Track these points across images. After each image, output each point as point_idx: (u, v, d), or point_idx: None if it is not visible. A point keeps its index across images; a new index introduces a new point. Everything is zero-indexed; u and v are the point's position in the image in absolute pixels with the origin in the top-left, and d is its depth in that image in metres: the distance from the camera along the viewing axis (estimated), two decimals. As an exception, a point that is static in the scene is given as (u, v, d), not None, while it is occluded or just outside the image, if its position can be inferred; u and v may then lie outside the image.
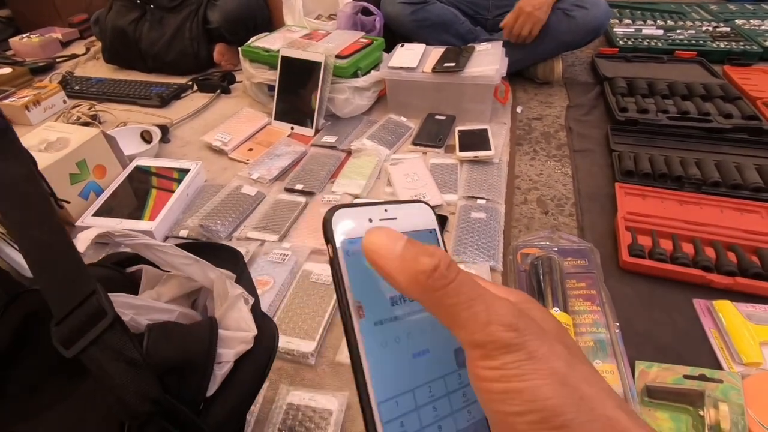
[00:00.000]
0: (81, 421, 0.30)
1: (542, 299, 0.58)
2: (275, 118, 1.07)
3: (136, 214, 0.77)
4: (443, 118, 1.02)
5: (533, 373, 0.15)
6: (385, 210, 0.20)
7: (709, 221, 0.70)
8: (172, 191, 0.81)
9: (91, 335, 0.26)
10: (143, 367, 0.27)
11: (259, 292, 0.65)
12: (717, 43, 1.26)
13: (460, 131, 0.96)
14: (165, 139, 1.02)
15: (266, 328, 0.36)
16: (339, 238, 0.19)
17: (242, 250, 0.70)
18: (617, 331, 0.57)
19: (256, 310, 0.37)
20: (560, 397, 0.15)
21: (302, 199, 0.83)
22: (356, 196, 0.83)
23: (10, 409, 0.32)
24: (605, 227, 0.73)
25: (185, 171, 0.86)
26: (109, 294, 0.32)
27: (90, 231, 0.35)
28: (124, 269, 0.40)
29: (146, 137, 0.99)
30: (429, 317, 0.18)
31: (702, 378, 0.49)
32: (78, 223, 0.75)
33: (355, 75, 1.03)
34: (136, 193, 0.82)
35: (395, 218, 0.20)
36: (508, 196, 0.82)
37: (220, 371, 0.32)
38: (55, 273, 0.27)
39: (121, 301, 0.33)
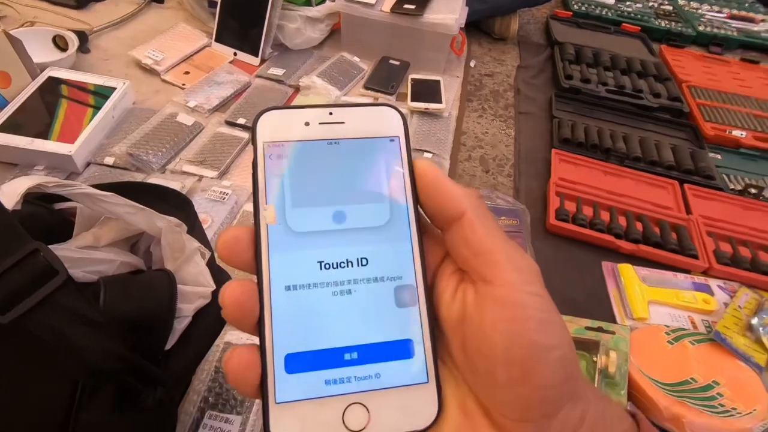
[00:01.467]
0: (20, 379, 0.28)
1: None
2: (216, 40, 0.97)
3: (46, 132, 0.69)
4: (397, 63, 0.99)
5: (556, 310, 0.18)
6: (330, 113, 0.19)
7: (625, 192, 0.78)
8: (94, 109, 0.73)
9: (35, 297, 0.24)
10: (104, 325, 0.26)
11: (195, 230, 0.62)
12: (659, 21, 1.32)
13: (413, 80, 0.94)
14: (84, 48, 0.90)
15: (223, 282, 0.35)
16: (262, 139, 0.18)
17: (178, 185, 0.66)
18: (536, 286, 0.63)
19: (212, 264, 0.36)
20: (570, 337, 0.17)
21: (244, 135, 0.78)
22: (302, 137, 0.80)
23: None
24: (538, 190, 0.79)
25: (110, 89, 0.77)
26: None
27: (17, 183, 0.31)
28: (51, 205, 0.37)
29: (60, 44, 0.86)
30: (352, 241, 0.18)
31: (600, 330, 0.57)
32: (-22, 139, 0.65)
33: (308, 3, 0.95)
34: (50, 109, 0.73)
35: (342, 122, 0.19)
36: (454, 152, 0.83)
37: (179, 326, 0.32)
38: None
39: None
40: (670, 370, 0.52)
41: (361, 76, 0.97)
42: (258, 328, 0.17)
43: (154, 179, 0.68)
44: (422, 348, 0.17)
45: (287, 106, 0.19)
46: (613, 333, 0.56)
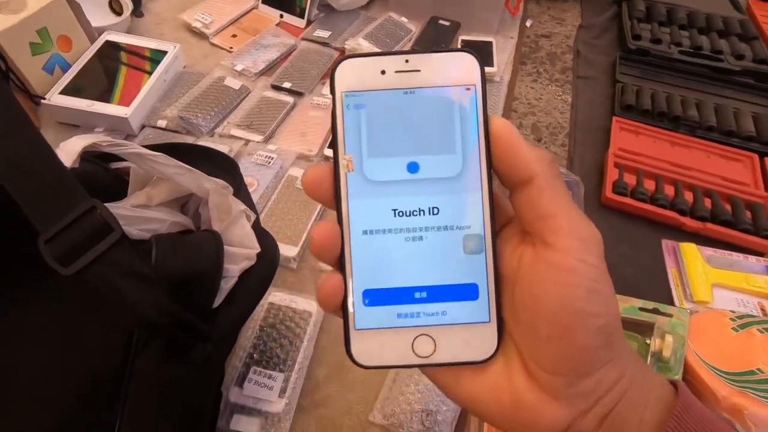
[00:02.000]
0: (80, 327, 0.30)
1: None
2: (263, 2, 0.96)
3: (107, 96, 0.71)
4: (447, 24, 0.94)
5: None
6: (406, 61, 0.19)
7: (694, 165, 0.71)
8: (148, 74, 0.75)
9: (94, 252, 0.25)
10: (154, 280, 0.27)
11: (242, 193, 0.64)
12: (749, -29, 1.16)
13: (463, 42, 0.90)
14: (137, 12, 0.91)
15: (267, 245, 0.36)
16: (340, 89, 0.19)
17: (225, 148, 0.67)
18: (587, 262, 0.59)
19: (257, 226, 0.36)
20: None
21: (290, 99, 0.78)
22: (347, 102, 0.78)
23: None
24: (594, 161, 0.73)
25: (162, 53, 0.78)
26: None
27: (75, 142, 0.32)
28: (107, 164, 0.38)
29: (115, 8, 0.88)
30: (429, 190, 0.19)
31: (655, 311, 0.53)
32: (45, 101, 0.69)
33: (356, -40, 0.91)
34: (107, 72, 0.75)
35: (418, 70, 0.19)
36: (504, 118, 0.79)
37: (226, 285, 0.33)
38: (39, 189, 0.25)
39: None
40: (732, 359, 0.48)
41: (408, 38, 0.93)
42: (340, 264, 0.19)
43: (203, 142, 0.69)
44: (486, 292, 0.19)
45: (365, 54, 0.19)
46: (670, 316, 0.53)
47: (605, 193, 0.66)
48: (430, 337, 0.18)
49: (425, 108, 0.19)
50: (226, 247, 0.33)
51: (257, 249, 0.34)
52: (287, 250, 0.58)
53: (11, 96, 0.28)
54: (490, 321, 0.18)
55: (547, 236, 0.18)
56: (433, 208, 0.19)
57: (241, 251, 0.34)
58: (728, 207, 0.65)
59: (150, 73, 0.75)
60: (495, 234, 0.19)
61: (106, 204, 0.35)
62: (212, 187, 0.36)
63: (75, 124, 0.72)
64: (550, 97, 0.83)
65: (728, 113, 0.78)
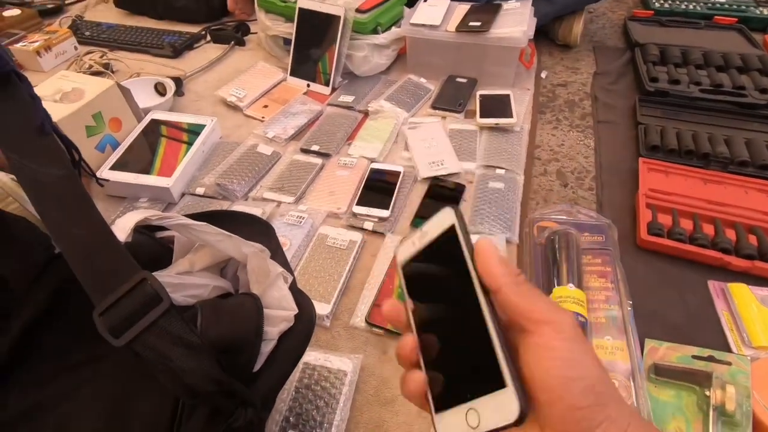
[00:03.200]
0: (127, 395, 0.31)
1: (557, 274, 0.58)
2: (291, 74, 1.04)
3: (155, 169, 0.77)
4: (464, 81, 0.98)
5: (587, 352, 0.23)
6: (421, 233, 0.28)
7: (732, 202, 0.69)
8: (187, 145, 0.81)
9: (144, 322, 0.27)
10: (202, 349, 0.28)
11: (276, 253, 0.65)
12: (760, 9, 1.18)
13: (481, 96, 0.93)
14: (179, 92, 1.00)
15: (304, 305, 0.37)
16: (399, 264, 0.29)
17: (259, 211, 0.70)
18: (629, 309, 0.57)
19: (293, 287, 0.37)
20: (601, 373, 0.22)
21: (318, 161, 0.82)
22: (372, 160, 0.82)
23: (42, 372, 0.33)
24: (625, 203, 0.72)
25: (201, 126, 0.85)
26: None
27: (128, 218, 0.35)
28: (153, 233, 0.41)
29: (160, 89, 0.97)
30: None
31: (711, 359, 0.50)
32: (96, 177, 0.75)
33: (374, 31, 0.98)
34: (152, 147, 0.82)
35: (426, 233, 0.27)
36: (528, 166, 0.80)
37: (266, 348, 0.33)
38: (98, 266, 0.28)
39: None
40: (807, 410, 0.44)
41: (428, 97, 0.97)
42: (419, 366, 0.26)
43: (239, 206, 0.73)
44: (498, 367, 0.23)
45: (405, 238, 0.29)
46: (728, 364, 0.49)
47: (640, 235, 0.65)
48: (475, 410, 0.23)
49: (437, 258, 0.27)
50: (265, 310, 0.34)
51: (295, 310, 0.35)
52: (320, 308, 0.58)
53: (80, 186, 0.31)
54: (507, 387, 0.22)
55: (527, 327, 0.23)
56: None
57: (279, 313, 0.35)
58: (776, 243, 0.62)
59: (189, 145, 0.81)
60: (499, 332, 0.23)
61: (153, 273, 0.37)
62: (250, 251, 0.38)
63: (122, 196, 0.77)
64: (572, 142, 0.84)
65: (760, 147, 0.76)
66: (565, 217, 0.68)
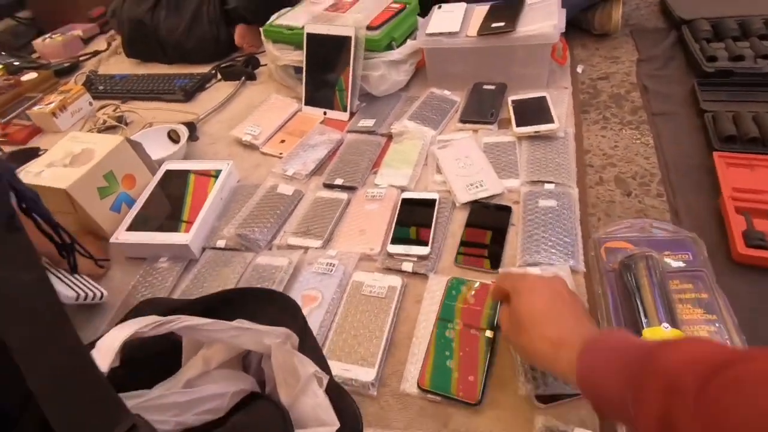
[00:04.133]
0: None
1: (643, 311, 0.48)
2: (306, 104, 0.98)
3: (172, 224, 0.72)
4: (492, 87, 0.90)
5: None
6: None
7: (843, 194, 0.57)
8: (206, 194, 0.75)
9: None
10: None
11: (307, 310, 0.58)
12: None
13: (514, 102, 0.84)
14: (193, 137, 0.96)
15: (347, 413, 0.29)
16: None
17: (285, 261, 0.63)
18: (742, 344, 0.46)
19: (330, 387, 0.29)
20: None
21: (344, 196, 0.75)
22: (403, 189, 0.74)
23: None
24: (706, 209, 0.61)
25: (218, 172, 0.79)
26: (144, 391, 0.26)
27: (112, 336, 0.27)
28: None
29: (173, 137, 0.94)
30: None
31: None
32: (112, 240, 0.70)
33: (389, 47, 0.91)
34: (170, 200, 0.77)
35: None
36: (580, 176, 0.70)
37: None
38: (75, 409, 0.21)
39: (159, 403, 0.26)
40: None
41: (455, 110, 0.89)
42: None
43: (263, 257, 0.67)
44: None
45: None
46: None
47: (736, 248, 0.54)
48: None
49: None
50: (296, 431, 0.26)
51: (335, 424, 0.27)
52: (363, 374, 0.50)
53: (54, 295, 0.24)
54: None
55: None
56: None
57: (316, 431, 0.27)
58: None
59: (209, 192, 0.76)
60: None
61: (161, 384, 0.30)
62: (273, 343, 0.31)
63: (141, 257, 0.73)
64: (627, 142, 0.74)
65: None
66: (637, 235, 0.58)
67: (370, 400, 0.49)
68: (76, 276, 0.65)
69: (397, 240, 0.64)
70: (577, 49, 1.01)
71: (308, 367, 0.29)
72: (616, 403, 0.31)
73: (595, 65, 0.95)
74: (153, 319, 0.28)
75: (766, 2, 0.97)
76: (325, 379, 0.29)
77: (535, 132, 0.76)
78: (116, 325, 0.28)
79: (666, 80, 0.86)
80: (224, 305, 0.33)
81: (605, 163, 0.73)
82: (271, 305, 0.35)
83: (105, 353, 0.26)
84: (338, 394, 0.30)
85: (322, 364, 0.31)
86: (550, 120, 0.77)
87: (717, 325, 0.48)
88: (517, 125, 0.78)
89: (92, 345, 0.25)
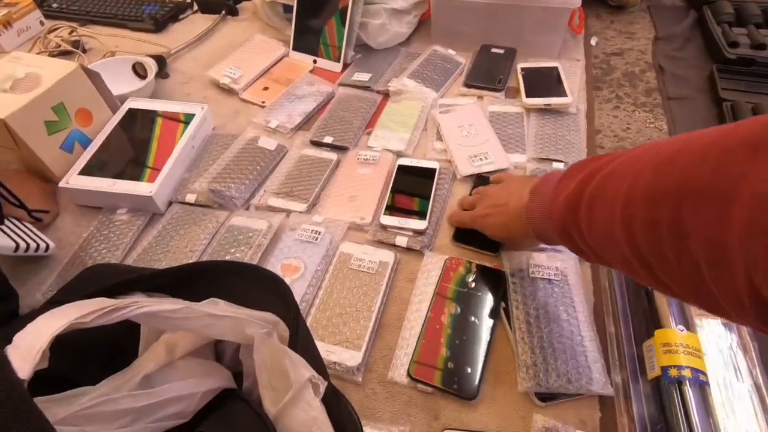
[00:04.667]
0: None
1: (654, 310, 0.45)
2: (294, 49, 0.88)
3: (134, 171, 0.63)
4: (501, 51, 0.82)
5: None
6: None
7: None
8: (175, 140, 0.66)
9: None
10: None
11: (287, 281, 0.52)
12: None
13: (524, 70, 0.77)
14: (162, 73, 0.85)
15: (345, 423, 0.23)
16: None
17: (264, 224, 0.56)
18: (752, 344, 0.44)
19: (328, 397, 0.24)
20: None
21: (333, 156, 0.67)
22: (399, 153, 0.67)
23: None
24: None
25: (190, 116, 0.70)
26: (87, 389, 0.20)
27: (38, 328, 0.20)
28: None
29: (140, 71, 0.82)
30: None
31: None
32: (62, 184, 0.61)
33: (393, -7, 0.81)
34: (133, 143, 0.67)
35: None
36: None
37: None
38: None
39: (106, 410, 0.20)
40: None
41: (459, 72, 0.81)
42: None
43: (238, 218, 0.59)
44: None
45: None
46: None
47: None
48: None
49: None
50: (285, 455, 0.21)
51: (333, 442, 0.22)
52: (348, 358, 0.45)
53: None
54: None
55: None
56: None
57: (308, 453, 0.21)
58: None
59: (179, 138, 0.66)
60: None
61: (112, 378, 0.24)
62: (257, 333, 0.25)
63: (96, 206, 0.64)
64: (640, 125, 0.69)
65: None
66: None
67: (354, 387, 0.45)
68: (19, 223, 0.55)
69: (391, 210, 0.58)
70: (591, 20, 0.94)
71: (302, 370, 0.23)
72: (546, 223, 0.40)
73: (609, 39, 0.89)
74: (99, 302, 0.21)
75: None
76: (323, 386, 0.23)
77: (546, 105, 0.70)
78: (49, 306, 0.21)
79: (683, 63, 0.81)
80: (196, 281, 0.26)
81: (616, 145, 0.68)
82: (255, 285, 0.28)
83: (26, 354, 0.19)
84: (336, 402, 0.25)
85: (318, 364, 0.25)
86: (563, 93, 0.71)
87: (730, 326, 0.45)
88: (527, 95, 0.72)
89: (8, 340, 0.18)
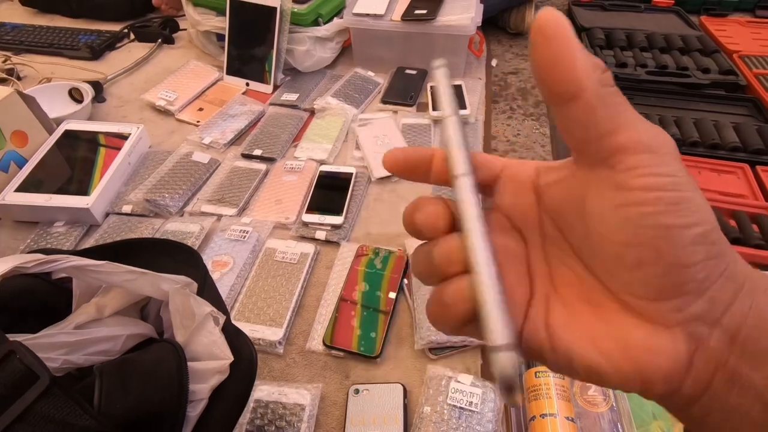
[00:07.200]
0: None
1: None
2: (228, 73, 0.95)
3: (71, 187, 0.67)
4: (414, 72, 0.94)
5: (696, 187, 0.16)
6: None
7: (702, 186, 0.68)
8: (112, 158, 0.71)
9: (14, 410, 0.20)
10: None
11: (217, 275, 0.58)
12: (694, -9, 1.21)
13: (432, 87, 0.89)
14: (99, 98, 0.89)
15: (242, 350, 0.30)
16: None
17: (197, 227, 0.63)
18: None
19: (227, 328, 0.31)
20: (712, 213, 0.16)
21: (262, 167, 0.75)
22: (322, 162, 0.75)
23: None
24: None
25: (125, 135, 0.75)
26: (27, 323, 0.26)
27: None
28: (49, 276, 0.33)
29: (76, 96, 0.86)
30: None
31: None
32: (-2, 201, 0.64)
33: (315, 23, 0.92)
34: (69, 162, 0.72)
35: None
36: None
37: (194, 412, 0.27)
38: None
39: (45, 342, 0.26)
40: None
41: (377, 91, 0.92)
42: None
43: (173, 224, 0.65)
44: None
45: None
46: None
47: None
48: None
49: None
50: (190, 364, 0.28)
51: (229, 358, 0.29)
52: (271, 333, 0.52)
53: None
54: None
55: (607, 159, 0.16)
56: None
57: (209, 365, 0.28)
58: (733, 223, 0.62)
59: (116, 156, 0.71)
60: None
61: (48, 327, 0.30)
62: (172, 288, 0.31)
63: (34, 221, 0.67)
64: (528, 131, 0.82)
65: (709, 126, 0.77)
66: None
67: (276, 358, 0.51)
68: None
69: (312, 209, 0.66)
70: (493, 45, 1.09)
71: (204, 307, 0.30)
72: None
73: (507, 61, 1.03)
74: (36, 256, 0.28)
75: (648, 19, 1.11)
76: (222, 319, 0.31)
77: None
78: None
79: (565, 79, 0.95)
80: (122, 254, 0.33)
81: (508, 148, 0.80)
82: (172, 255, 0.35)
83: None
84: (235, 334, 0.32)
85: (221, 307, 0.32)
86: (464, 106, 0.83)
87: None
88: (434, 109, 0.83)
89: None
